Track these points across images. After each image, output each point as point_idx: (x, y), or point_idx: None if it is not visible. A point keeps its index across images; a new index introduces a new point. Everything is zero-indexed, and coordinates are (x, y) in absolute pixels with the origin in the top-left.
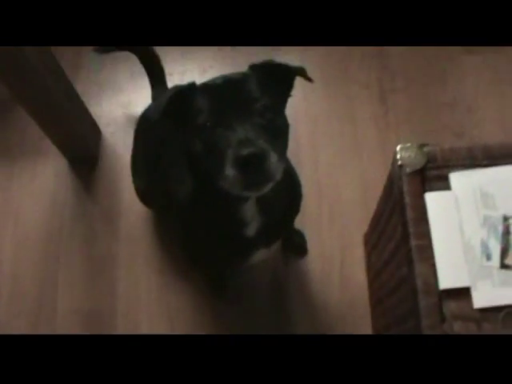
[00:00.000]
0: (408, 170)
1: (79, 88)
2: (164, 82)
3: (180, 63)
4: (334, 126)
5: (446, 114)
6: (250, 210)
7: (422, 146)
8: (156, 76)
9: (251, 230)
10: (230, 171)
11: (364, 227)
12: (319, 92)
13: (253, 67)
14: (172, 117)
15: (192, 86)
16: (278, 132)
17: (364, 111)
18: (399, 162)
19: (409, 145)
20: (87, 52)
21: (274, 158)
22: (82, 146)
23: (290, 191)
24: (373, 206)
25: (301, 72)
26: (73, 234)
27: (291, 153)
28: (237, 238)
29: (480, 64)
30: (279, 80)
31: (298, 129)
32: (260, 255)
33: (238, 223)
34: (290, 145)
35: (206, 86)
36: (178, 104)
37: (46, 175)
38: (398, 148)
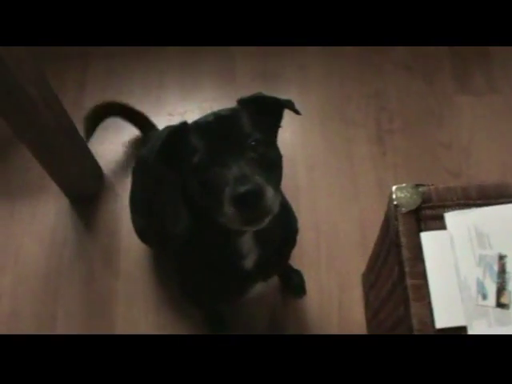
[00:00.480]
0: (403, 209)
1: (81, 127)
2: (152, 125)
3: (180, 105)
4: (331, 167)
5: (443, 155)
6: (247, 243)
7: (417, 186)
8: (143, 124)
9: (249, 263)
10: (228, 209)
11: (362, 267)
12: (317, 132)
13: (241, 101)
14: (166, 157)
15: (184, 125)
16: (272, 164)
17: (362, 151)
18: (395, 202)
19: (404, 185)
20: (90, 91)
21: (270, 192)
22: (83, 185)
23: (285, 223)
24: (370, 245)
25: (288, 104)
26: (72, 272)
27: (289, 194)
28: (234, 271)
29: (476, 104)
30: (268, 112)
31: (296, 170)
32: (258, 288)
33: (236, 256)
34: (288, 186)
35: (198, 125)
36: (172, 144)
37: (46, 213)
38: (394, 188)
